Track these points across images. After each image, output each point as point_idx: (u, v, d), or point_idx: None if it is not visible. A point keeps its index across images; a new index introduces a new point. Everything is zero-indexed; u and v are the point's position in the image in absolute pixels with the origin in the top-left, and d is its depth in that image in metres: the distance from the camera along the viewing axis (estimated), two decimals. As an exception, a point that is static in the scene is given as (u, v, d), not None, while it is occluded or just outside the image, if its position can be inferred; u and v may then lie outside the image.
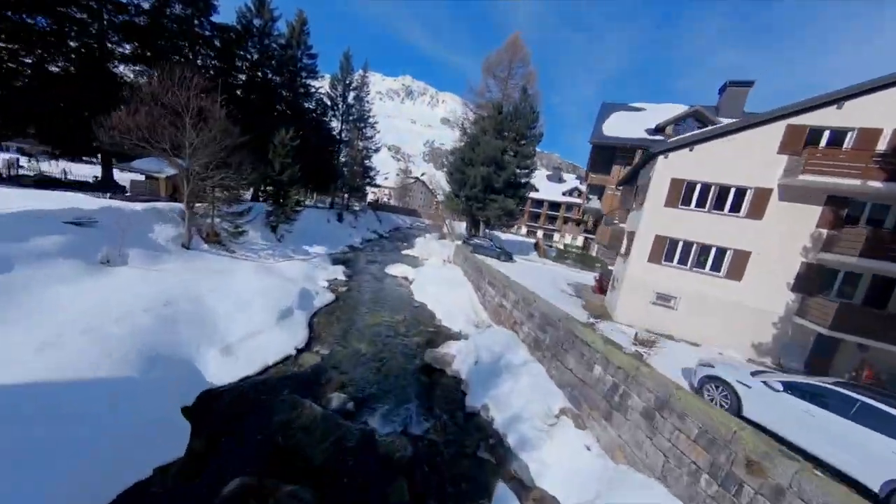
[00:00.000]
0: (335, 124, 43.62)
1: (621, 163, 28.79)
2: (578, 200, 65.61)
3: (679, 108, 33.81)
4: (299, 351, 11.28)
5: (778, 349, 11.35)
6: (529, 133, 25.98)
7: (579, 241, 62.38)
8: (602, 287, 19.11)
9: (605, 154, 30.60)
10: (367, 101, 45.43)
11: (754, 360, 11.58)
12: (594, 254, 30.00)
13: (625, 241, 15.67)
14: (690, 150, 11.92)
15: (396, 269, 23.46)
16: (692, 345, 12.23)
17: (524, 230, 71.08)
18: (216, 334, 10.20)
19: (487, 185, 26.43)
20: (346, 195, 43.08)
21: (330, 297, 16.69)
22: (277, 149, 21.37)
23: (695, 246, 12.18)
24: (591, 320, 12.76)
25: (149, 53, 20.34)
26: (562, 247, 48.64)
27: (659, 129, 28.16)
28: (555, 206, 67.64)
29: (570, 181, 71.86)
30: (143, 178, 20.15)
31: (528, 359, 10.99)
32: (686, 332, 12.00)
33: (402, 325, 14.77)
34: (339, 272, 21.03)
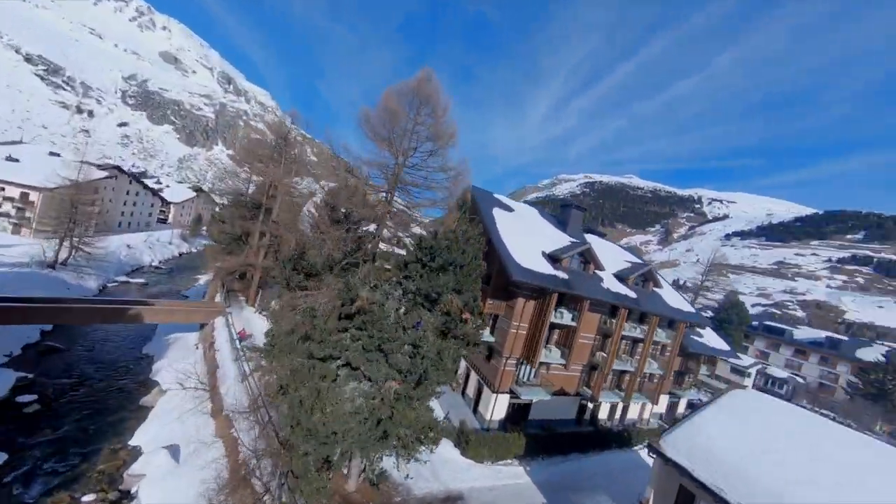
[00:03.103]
0: None
1: (526, 295, 21.56)
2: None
3: (533, 212, 31.50)
4: None
5: None
6: (473, 296, 12.49)
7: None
8: None
9: (502, 274, 22.34)
10: None
11: None
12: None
13: None
14: None
15: None
16: None
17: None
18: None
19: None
20: None
21: None
22: None
23: None
24: None
25: None
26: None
27: (555, 259, 23.08)
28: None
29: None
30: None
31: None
32: None
33: None
34: None
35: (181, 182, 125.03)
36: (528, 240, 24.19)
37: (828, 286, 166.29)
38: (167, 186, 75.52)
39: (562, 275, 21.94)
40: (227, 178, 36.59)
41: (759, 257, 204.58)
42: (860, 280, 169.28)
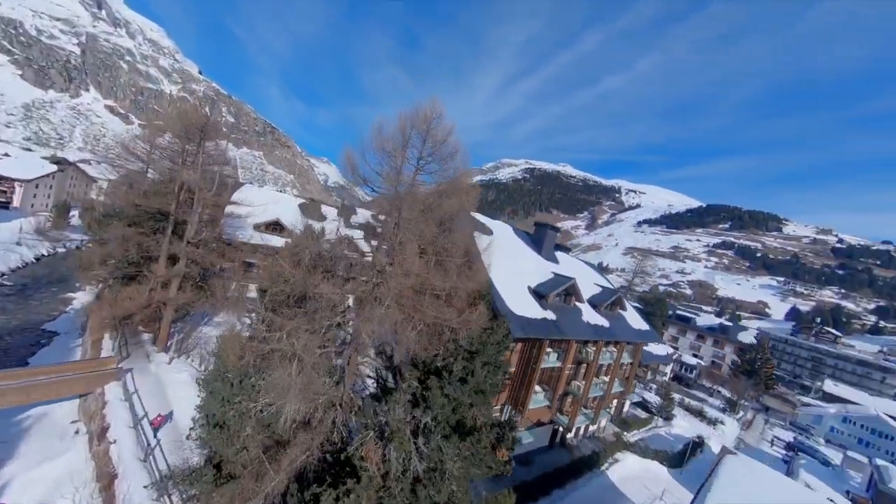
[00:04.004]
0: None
1: (514, 338, 19.99)
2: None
3: (507, 230, 29.83)
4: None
5: None
6: (510, 423, 10.09)
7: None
8: None
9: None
10: None
11: None
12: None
13: None
14: None
15: None
16: None
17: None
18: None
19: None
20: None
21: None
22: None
23: None
24: None
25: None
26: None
27: (541, 296, 21.98)
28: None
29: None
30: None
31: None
32: None
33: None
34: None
35: (30, 146, 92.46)
36: (512, 270, 22.49)
37: (705, 267, 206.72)
38: (6, 155, 53.15)
39: (551, 316, 20.87)
40: (113, 164, 26.25)
41: (661, 242, 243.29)
42: (726, 262, 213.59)
